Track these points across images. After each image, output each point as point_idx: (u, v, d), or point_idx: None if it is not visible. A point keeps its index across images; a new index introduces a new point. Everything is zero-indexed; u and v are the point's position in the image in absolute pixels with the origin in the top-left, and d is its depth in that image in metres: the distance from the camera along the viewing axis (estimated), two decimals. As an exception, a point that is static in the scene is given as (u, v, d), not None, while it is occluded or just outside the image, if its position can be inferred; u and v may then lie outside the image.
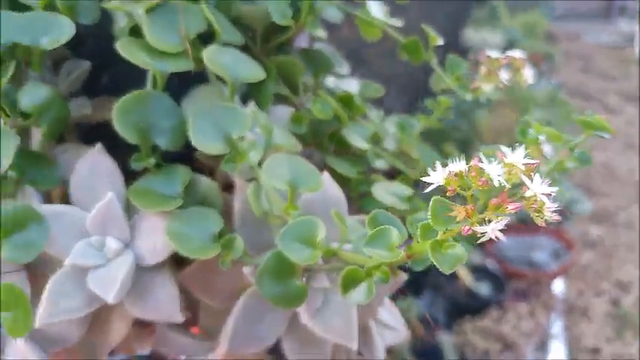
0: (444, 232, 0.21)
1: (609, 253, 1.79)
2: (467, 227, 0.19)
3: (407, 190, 0.35)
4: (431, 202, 0.20)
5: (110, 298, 0.28)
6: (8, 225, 0.29)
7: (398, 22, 0.41)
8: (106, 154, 0.32)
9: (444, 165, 0.21)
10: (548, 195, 0.21)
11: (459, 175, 0.19)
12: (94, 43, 0.39)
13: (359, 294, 0.25)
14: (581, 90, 3.08)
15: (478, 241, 0.20)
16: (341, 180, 0.36)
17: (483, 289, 1.47)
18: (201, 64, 0.34)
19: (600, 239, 1.86)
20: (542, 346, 1.36)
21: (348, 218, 0.31)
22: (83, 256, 0.30)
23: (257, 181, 0.32)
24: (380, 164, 0.40)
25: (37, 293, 0.30)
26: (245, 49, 0.37)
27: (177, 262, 0.33)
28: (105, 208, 0.30)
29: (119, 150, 0.34)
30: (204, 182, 0.32)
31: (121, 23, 0.35)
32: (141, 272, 0.31)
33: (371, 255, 0.24)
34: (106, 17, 0.37)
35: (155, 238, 0.30)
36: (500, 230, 0.19)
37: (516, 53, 0.37)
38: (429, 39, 0.43)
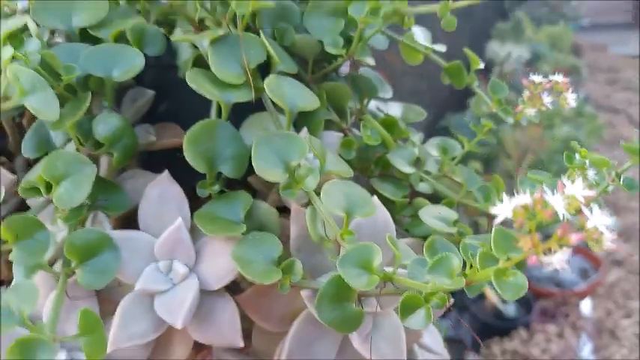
0: (506, 261, 0.22)
1: (637, 271, 1.75)
2: (534, 257, 0.20)
3: (452, 214, 0.36)
4: (493, 232, 0.21)
5: (178, 323, 0.30)
6: (84, 251, 0.31)
7: (442, 48, 0.43)
8: (173, 180, 0.34)
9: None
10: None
11: (525, 207, 0.20)
12: (154, 71, 0.41)
13: (417, 319, 0.26)
14: (607, 102, 3.04)
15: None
16: (385, 202, 0.37)
17: (510, 309, 1.45)
18: (259, 93, 0.36)
19: (628, 257, 1.82)
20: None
21: (399, 242, 0.32)
22: (151, 280, 0.32)
23: (313, 206, 0.33)
24: (423, 187, 0.41)
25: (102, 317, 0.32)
26: (297, 76, 0.39)
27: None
28: (174, 233, 0.32)
29: (177, 174, 0.36)
30: (263, 208, 0.34)
31: (185, 55, 0.37)
32: (204, 296, 0.32)
33: (433, 281, 0.25)
34: (168, 48, 0.39)
35: (219, 263, 0.32)
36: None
37: (559, 77, 0.38)
38: (471, 62, 0.44)
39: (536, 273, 1.54)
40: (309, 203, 0.34)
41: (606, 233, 0.22)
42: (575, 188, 0.22)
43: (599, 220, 0.22)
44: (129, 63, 0.34)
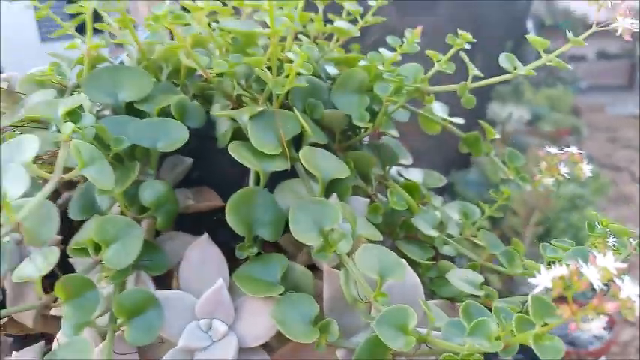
0: (542, 326, 0.23)
1: (652, 331, 1.72)
2: (573, 324, 0.22)
3: (478, 277, 0.38)
4: (530, 300, 0.23)
5: (220, 378, 0.31)
6: (131, 310, 0.32)
7: (459, 120, 0.46)
8: (212, 242, 0.36)
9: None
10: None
11: (562, 278, 0.22)
12: (192, 140, 0.44)
13: (456, 379, 0.27)
14: (609, 161, 3.09)
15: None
16: (411, 264, 0.39)
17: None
18: (292, 162, 0.38)
19: (642, 315, 1.80)
20: None
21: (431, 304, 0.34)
22: (192, 338, 0.33)
23: (346, 268, 0.35)
24: (447, 250, 0.43)
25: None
26: (325, 146, 0.41)
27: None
28: (215, 293, 0.34)
29: (211, 235, 0.38)
30: (298, 270, 0.36)
31: (223, 127, 0.40)
32: (242, 353, 0.33)
33: (469, 343, 0.26)
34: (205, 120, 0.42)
35: (257, 322, 0.33)
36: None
37: (574, 149, 0.41)
38: (487, 133, 0.47)
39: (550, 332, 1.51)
40: (340, 265, 0.36)
41: (637, 302, 0.24)
42: (607, 260, 0.24)
43: (631, 289, 0.23)
44: (174, 136, 0.37)
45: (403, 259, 0.35)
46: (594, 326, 0.21)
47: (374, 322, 0.30)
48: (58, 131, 0.33)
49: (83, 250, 0.34)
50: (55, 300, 0.33)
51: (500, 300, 0.34)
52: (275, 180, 0.40)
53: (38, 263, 0.30)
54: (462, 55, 0.41)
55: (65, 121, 0.32)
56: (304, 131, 0.39)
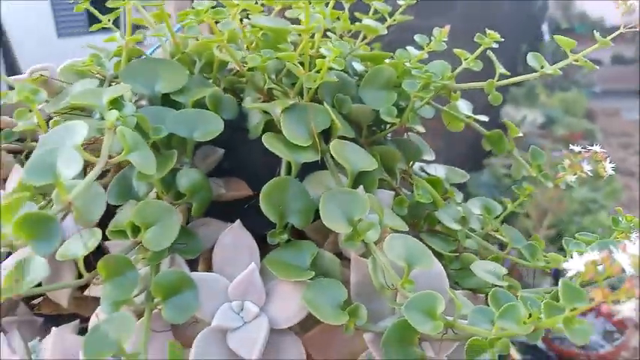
0: (571, 310, 0.24)
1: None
2: (605, 306, 0.23)
3: (501, 269, 0.39)
4: (561, 285, 0.24)
5: (253, 356, 0.33)
6: (168, 290, 0.34)
7: (484, 118, 0.47)
8: (244, 229, 0.37)
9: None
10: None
11: (594, 263, 0.23)
12: (223, 132, 0.46)
13: (483, 362, 0.28)
14: (623, 166, 3.06)
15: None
16: (435, 256, 0.40)
17: (535, 369, 1.42)
18: (322, 154, 0.40)
19: (654, 321, 1.79)
20: None
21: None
22: (225, 318, 0.35)
23: (373, 257, 0.36)
24: (469, 243, 0.44)
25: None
26: (352, 140, 0.43)
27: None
28: (247, 276, 0.35)
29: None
30: (327, 257, 0.37)
31: (255, 119, 0.42)
32: (272, 334, 0.35)
33: (496, 328, 0.28)
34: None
35: (288, 304, 0.35)
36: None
37: (597, 147, 0.42)
38: (510, 130, 0.48)
39: (560, 334, 1.51)
40: (366, 253, 0.37)
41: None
42: (637, 248, 0.25)
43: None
44: (210, 126, 0.39)
45: (427, 248, 0.36)
46: (626, 308, 0.22)
47: (402, 307, 0.31)
48: (101, 119, 0.34)
49: (121, 232, 0.36)
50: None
51: (524, 290, 0.35)
52: (303, 172, 0.41)
53: (83, 242, 0.32)
54: (489, 53, 0.42)
55: (109, 109, 0.33)
56: (333, 125, 0.40)
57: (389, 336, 0.32)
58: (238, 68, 0.41)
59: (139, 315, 0.35)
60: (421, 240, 0.43)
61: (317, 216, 0.39)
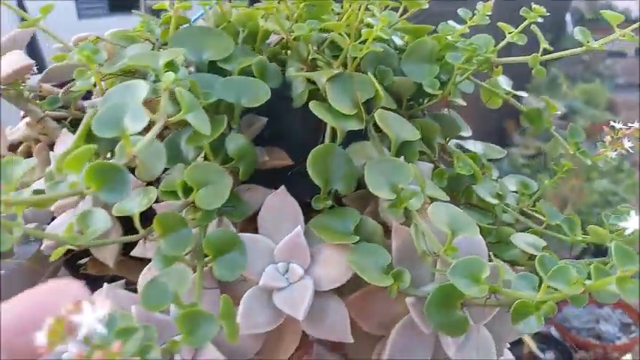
0: (623, 271, 0.25)
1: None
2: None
3: (540, 241, 0.40)
4: (614, 247, 0.25)
5: (300, 315, 0.34)
6: (218, 248, 0.35)
7: (524, 94, 0.47)
8: (288, 194, 0.38)
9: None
10: None
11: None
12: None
13: (528, 324, 0.29)
14: (644, 160, 3.02)
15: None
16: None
17: (549, 357, 1.43)
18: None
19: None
20: None
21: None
22: (272, 278, 0.36)
23: (415, 224, 0.37)
24: (506, 218, 0.44)
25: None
26: (394, 112, 0.43)
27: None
28: (293, 238, 0.36)
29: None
30: (370, 222, 0.38)
31: (299, 88, 0.42)
32: (316, 297, 0.36)
33: (543, 291, 0.28)
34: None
35: (332, 267, 0.36)
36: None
37: (637, 124, 0.42)
38: (549, 108, 0.48)
39: (577, 324, 1.52)
40: (406, 222, 0.38)
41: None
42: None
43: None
44: (258, 93, 0.39)
45: (471, 218, 0.36)
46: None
47: (448, 271, 0.32)
48: (155, 81, 0.35)
49: (172, 193, 0.37)
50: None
51: (564, 260, 0.35)
52: (344, 143, 0.42)
53: (138, 200, 0.33)
54: (534, 27, 0.42)
55: (166, 71, 0.34)
56: (377, 95, 0.41)
57: (432, 300, 0.33)
58: (285, 37, 0.42)
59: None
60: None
61: (356, 186, 0.40)
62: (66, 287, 0.21)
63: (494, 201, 0.44)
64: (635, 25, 0.40)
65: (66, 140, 0.44)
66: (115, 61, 0.40)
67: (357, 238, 0.36)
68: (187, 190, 0.36)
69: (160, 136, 0.41)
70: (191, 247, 0.36)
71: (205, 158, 0.39)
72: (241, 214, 0.39)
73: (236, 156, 0.38)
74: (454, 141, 0.52)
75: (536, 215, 0.46)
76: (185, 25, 0.45)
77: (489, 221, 0.43)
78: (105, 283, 0.39)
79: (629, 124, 0.42)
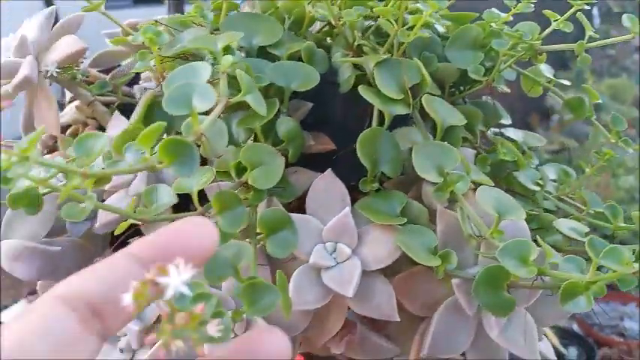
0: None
1: None
2: None
3: (583, 227, 0.40)
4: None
5: (350, 292, 0.35)
6: (271, 226, 0.36)
7: (566, 82, 0.47)
8: (335, 176, 0.40)
9: None
10: None
11: None
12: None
13: (578, 304, 0.30)
14: (671, 158, 2.96)
15: None
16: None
17: (572, 353, 1.42)
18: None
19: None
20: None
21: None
22: (320, 257, 0.37)
23: (461, 208, 0.38)
24: (547, 205, 0.45)
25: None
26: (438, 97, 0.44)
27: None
28: (342, 219, 0.37)
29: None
30: (416, 205, 0.39)
31: (345, 74, 0.43)
32: (363, 276, 0.37)
33: (591, 273, 0.29)
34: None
35: (380, 248, 0.37)
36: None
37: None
38: (590, 96, 0.48)
39: (600, 321, 1.50)
40: (451, 206, 0.39)
41: None
42: None
43: None
44: (307, 77, 0.40)
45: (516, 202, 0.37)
46: None
47: (497, 253, 0.33)
48: (213, 64, 0.37)
49: (225, 174, 0.38)
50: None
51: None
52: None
53: (197, 178, 0.35)
54: (579, 15, 0.42)
55: (224, 54, 0.35)
56: (423, 81, 0.41)
57: (480, 281, 0.34)
58: (334, 22, 0.43)
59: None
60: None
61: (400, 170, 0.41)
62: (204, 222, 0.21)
63: (536, 188, 0.44)
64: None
65: (119, 124, 0.45)
66: (172, 44, 0.41)
67: (404, 219, 0.37)
68: (240, 171, 0.37)
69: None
70: (244, 225, 0.37)
71: (255, 140, 0.41)
72: (290, 195, 0.40)
73: (286, 138, 0.40)
74: (493, 129, 0.52)
75: (576, 203, 0.46)
76: (234, 12, 0.46)
77: (530, 207, 0.44)
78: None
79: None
